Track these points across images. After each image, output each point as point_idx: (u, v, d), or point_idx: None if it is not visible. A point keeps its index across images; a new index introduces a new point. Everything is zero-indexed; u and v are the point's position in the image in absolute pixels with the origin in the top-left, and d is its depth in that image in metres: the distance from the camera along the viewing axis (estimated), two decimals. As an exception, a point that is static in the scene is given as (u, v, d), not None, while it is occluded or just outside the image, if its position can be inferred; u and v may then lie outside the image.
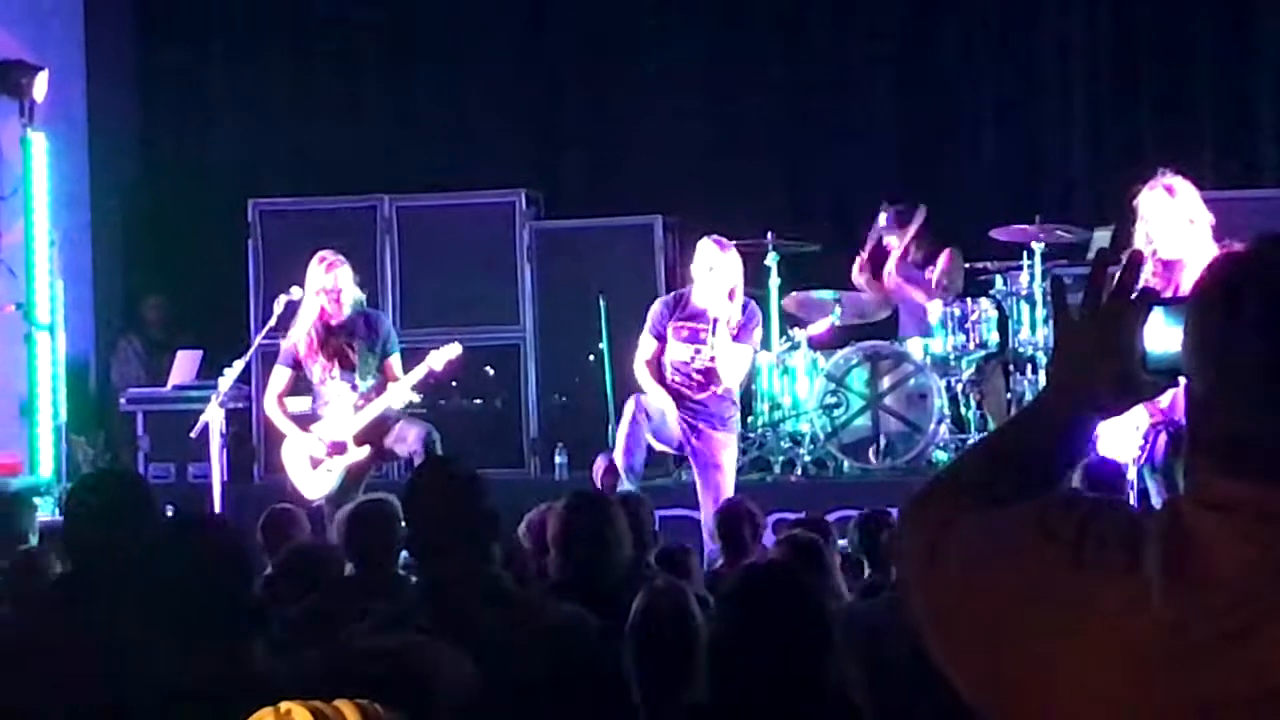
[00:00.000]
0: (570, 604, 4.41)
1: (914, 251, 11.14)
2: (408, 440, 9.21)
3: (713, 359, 9.07)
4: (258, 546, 7.03)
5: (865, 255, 11.13)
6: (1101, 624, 1.77)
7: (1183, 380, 1.91)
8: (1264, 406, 1.77)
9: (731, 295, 9.11)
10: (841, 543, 6.83)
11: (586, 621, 4.23)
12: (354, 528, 5.95)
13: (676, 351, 9.15)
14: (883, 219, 11.13)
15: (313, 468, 9.25)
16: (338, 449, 9.21)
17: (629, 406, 9.11)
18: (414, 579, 5.45)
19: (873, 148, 12.87)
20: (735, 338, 9.07)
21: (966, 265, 10.98)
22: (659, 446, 9.28)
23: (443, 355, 9.22)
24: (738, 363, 9.15)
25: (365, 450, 9.20)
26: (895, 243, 11.14)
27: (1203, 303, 1.85)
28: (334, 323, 9.23)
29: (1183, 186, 7.91)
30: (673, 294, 9.46)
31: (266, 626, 3.45)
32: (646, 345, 9.24)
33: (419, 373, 9.20)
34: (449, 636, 3.89)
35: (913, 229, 11.09)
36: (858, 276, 11.13)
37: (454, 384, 10.81)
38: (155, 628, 3.44)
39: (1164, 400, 7.48)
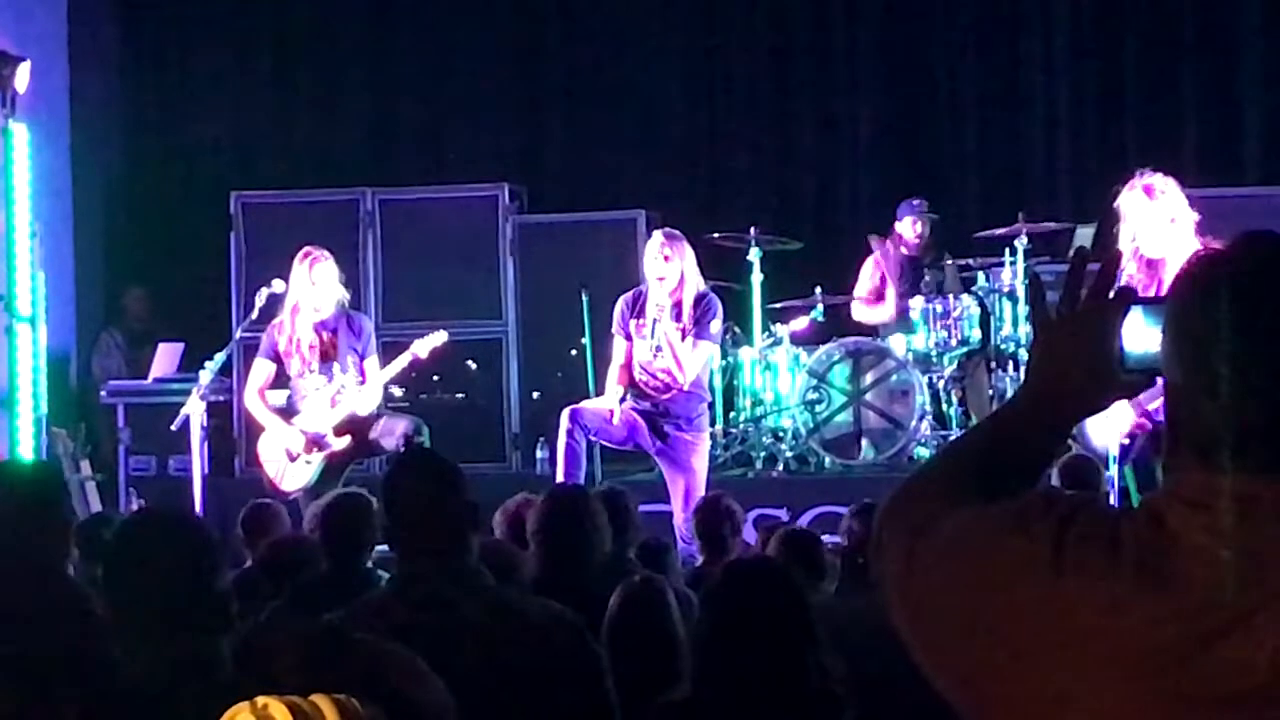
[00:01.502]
0: (549, 599, 4.40)
1: (918, 250, 11.06)
2: (395, 433, 9.21)
3: (673, 355, 9.05)
4: (238, 540, 7.03)
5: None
6: (1081, 627, 1.77)
7: (1160, 379, 1.91)
8: (1241, 403, 1.77)
9: (681, 284, 9.06)
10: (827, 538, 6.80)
11: (565, 617, 4.23)
12: (325, 522, 5.93)
13: (640, 351, 9.13)
14: (917, 204, 11.05)
15: (290, 460, 9.25)
16: (316, 442, 9.21)
17: (562, 422, 9.01)
18: (383, 574, 5.45)
19: (856, 145, 12.89)
20: (695, 334, 9.04)
21: (949, 261, 10.98)
22: (617, 446, 9.29)
23: (428, 343, 9.24)
24: (693, 361, 9.11)
25: (345, 440, 9.19)
26: (910, 232, 11.05)
27: (1180, 300, 1.86)
28: (315, 319, 9.24)
29: (1162, 185, 7.91)
30: (631, 292, 9.39)
31: (232, 622, 3.42)
32: (618, 347, 9.21)
33: (403, 361, 9.22)
34: (426, 629, 3.88)
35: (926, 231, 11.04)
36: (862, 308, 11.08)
37: (436, 378, 10.80)
38: (122, 621, 3.42)
39: (1152, 405, 7.50)
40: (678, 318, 9.04)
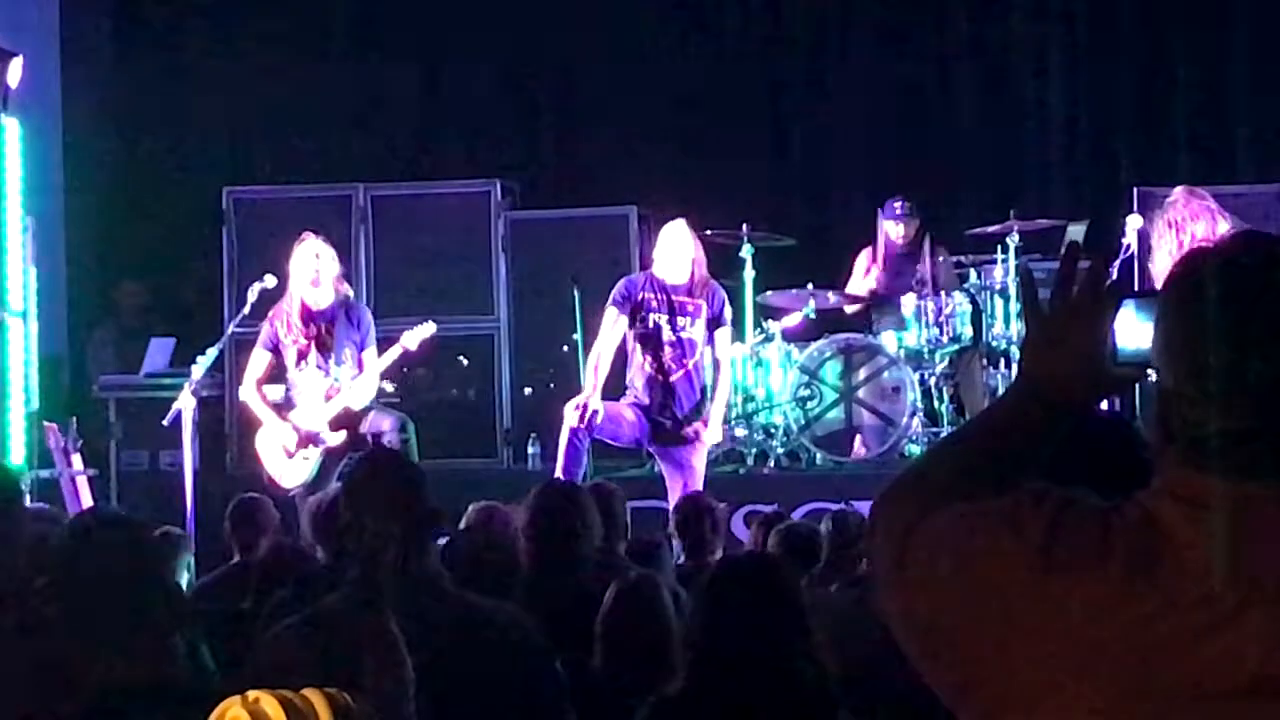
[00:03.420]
0: (541, 595, 4.41)
1: (906, 246, 11.05)
2: (380, 429, 9.18)
3: (686, 330, 9.09)
4: (226, 535, 7.01)
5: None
6: (1070, 622, 1.77)
7: (1152, 374, 1.91)
8: (1231, 404, 1.77)
9: (694, 266, 9.10)
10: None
11: (523, 619, 4.23)
12: (323, 519, 5.92)
13: (655, 326, 9.11)
14: (898, 208, 11.02)
15: (288, 457, 9.22)
16: (311, 438, 9.18)
17: (567, 418, 9.01)
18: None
19: (849, 142, 12.88)
20: (716, 325, 9.10)
21: (943, 258, 10.97)
22: (621, 445, 9.30)
23: (416, 335, 9.20)
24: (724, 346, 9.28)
25: (340, 435, 9.16)
26: (894, 233, 11.03)
27: (1171, 300, 1.86)
28: (314, 309, 9.20)
29: (1180, 214, 8.07)
30: (639, 273, 9.43)
31: (184, 619, 3.42)
32: (609, 321, 9.12)
33: (393, 354, 9.19)
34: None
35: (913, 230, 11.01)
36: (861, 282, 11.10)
37: (427, 373, 10.80)
38: (71, 629, 3.42)
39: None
40: (689, 292, 9.09)
